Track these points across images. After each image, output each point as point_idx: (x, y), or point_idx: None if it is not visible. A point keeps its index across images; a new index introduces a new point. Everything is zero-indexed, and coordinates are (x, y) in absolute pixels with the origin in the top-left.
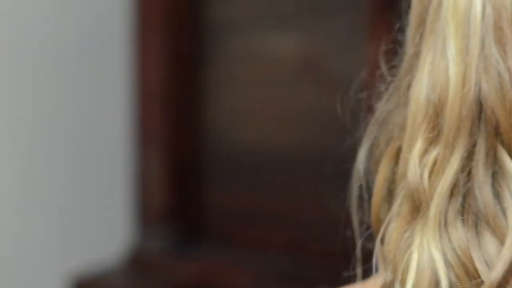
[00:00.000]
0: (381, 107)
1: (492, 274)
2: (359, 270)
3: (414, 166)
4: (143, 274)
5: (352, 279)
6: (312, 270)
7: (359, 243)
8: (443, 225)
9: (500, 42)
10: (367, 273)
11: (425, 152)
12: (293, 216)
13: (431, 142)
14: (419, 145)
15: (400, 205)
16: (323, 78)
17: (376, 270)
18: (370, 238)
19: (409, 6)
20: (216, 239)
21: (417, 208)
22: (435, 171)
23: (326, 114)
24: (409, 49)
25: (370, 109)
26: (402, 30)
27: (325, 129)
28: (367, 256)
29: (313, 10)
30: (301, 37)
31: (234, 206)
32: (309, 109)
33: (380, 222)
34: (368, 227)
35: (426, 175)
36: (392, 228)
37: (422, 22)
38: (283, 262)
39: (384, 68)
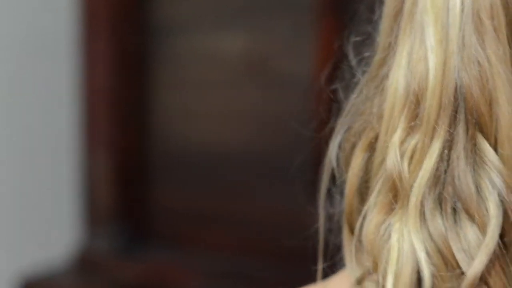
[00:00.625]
0: (353, 99)
1: (474, 265)
2: (320, 267)
3: (395, 155)
4: (91, 274)
5: (310, 278)
6: (260, 270)
7: (321, 239)
8: (423, 214)
9: (479, 31)
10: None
11: (404, 140)
12: (241, 216)
13: (411, 131)
14: (398, 134)
15: (377, 195)
16: (270, 77)
17: (339, 267)
18: (338, 232)
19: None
20: (163, 239)
21: (396, 197)
22: (414, 160)
23: (273, 114)
24: (382, 39)
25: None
26: (370, 21)
27: (273, 129)
28: (327, 253)
29: (259, 10)
30: (248, 36)
31: (182, 207)
32: (257, 108)
33: (353, 214)
34: (331, 221)
35: (405, 163)
36: (370, 219)
37: (398, 12)
38: (231, 262)
39: (353, 61)
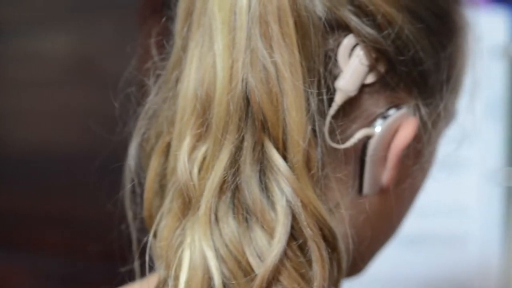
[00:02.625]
0: (150, 101)
1: (263, 267)
2: (136, 266)
3: (184, 162)
4: None
5: (131, 276)
6: (90, 271)
7: (134, 239)
8: (214, 221)
9: (266, 36)
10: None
11: (194, 148)
12: (71, 217)
13: (200, 138)
14: (187, 141)
15: (171, 201)
16: (97, 77)
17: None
18: (146, 233)
19: None
20: None
21: (187, 205)
22: (204, 167)
23: (102, 113)
24: (176, 42)
25: (140, 104)
26: (173, 21)
27: (102, 129)
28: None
29: (87, 10)
30: (76, 37)
31: (11, 208)
32: (85, 108)
33: (152, 217)
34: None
35: (195, 171)
36: (164, 225)
37: (189, 14)
38: (61, 263)
39: (156, 60)
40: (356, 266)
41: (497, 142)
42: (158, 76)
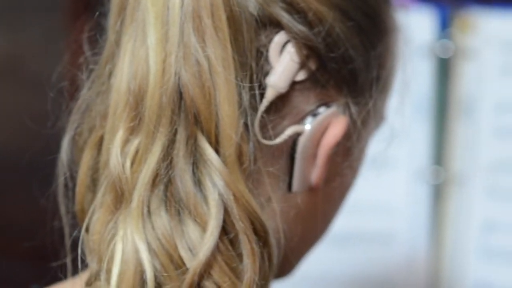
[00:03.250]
0: (83, 95)
1: (195, 261)
2: (69, 262)
3: (116, 156)
4: None
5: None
6: (21, 270)
7: (67, 235)
8: (147, 214)
9: (199, 30)
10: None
11: (126, 141)
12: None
13: (133, 131)
14: (120, 134)
15: (103, 195)
16: (27, 77)
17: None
18: (78, 228)
19: None
20: None
21: (120, 198)
22: (137, 161)
23: (31, 113)
24: (110, 36)
25: (73, 99)
26: (105, 15)
27: (29, 128)
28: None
29: (15, 10)
30: (5, 37)
31: None
32: (14, 108)
33: (85, 211)
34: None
35: (128, 164)
36: (96, 218)
37: (122, 9)
38: None
39: (88, 55)
40: (287, 263)
41: (424, 141)
42: (91, 70)
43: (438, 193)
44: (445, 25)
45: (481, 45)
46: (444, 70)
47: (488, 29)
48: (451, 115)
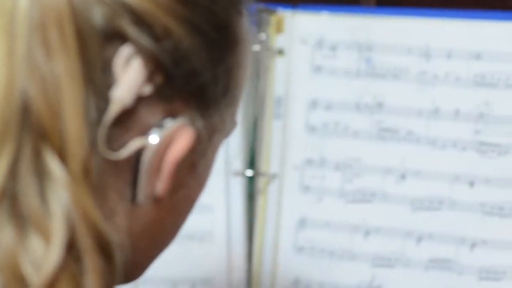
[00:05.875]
0: None
1: (39, 277)
2: None
3: None
4: None
5: None
6: None
7: None
8: None
9: (45, 44)
10: None
11: None
12: None
13: None
14: None
15: None
16: None
17: None
18: None
19: None
20: None
21: None
22: None
23: None
24: None
25: None
26: None
27: None
28: None
29: None
30: None
31: None
32: None
33: None
34: None
35: None
36: None
37: None
38: None
39: None
40: (133, 273)
41: (238, 141)
42: None
43: (253, 191)
44: (256, 24)
45: (291, 44)
46: (255, 69)
47: (298, 28)
48: (263, 114)
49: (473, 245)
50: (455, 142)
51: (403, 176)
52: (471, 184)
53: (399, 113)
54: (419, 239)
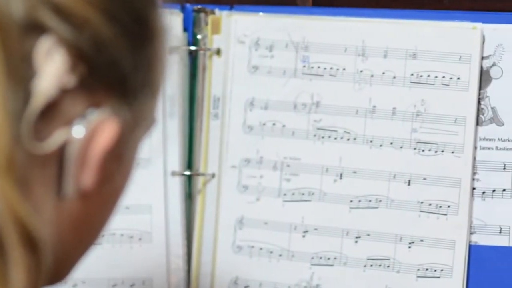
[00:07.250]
0: None
1: None
2: None
3: None
4: None
5: None
6: None
7: None
8: None
9: None
10: None
11: None
12: None
13: None
14: None
15: None
16: None
17: None
18: None
19: None
20: None
21: None
22: None
23: None
24: None
25: None
26: None
27: None
28: None
29: None
30: None
31: None
32: None
33: None
34: None
35: None
36: None
37: None
38: None
39: None
40: (62, 269)
41: (176, 141)
42: None
43: (191, 191)
44: (193, 25)
45: (228, 44)
46: (193, 69)
47: (235, 28)
48: (201, 114)
49: (411, 243)
50: (392, 141)
51: (340, 175)
52: (408, 182)
53: (336, 112)
54: (357, 238)
